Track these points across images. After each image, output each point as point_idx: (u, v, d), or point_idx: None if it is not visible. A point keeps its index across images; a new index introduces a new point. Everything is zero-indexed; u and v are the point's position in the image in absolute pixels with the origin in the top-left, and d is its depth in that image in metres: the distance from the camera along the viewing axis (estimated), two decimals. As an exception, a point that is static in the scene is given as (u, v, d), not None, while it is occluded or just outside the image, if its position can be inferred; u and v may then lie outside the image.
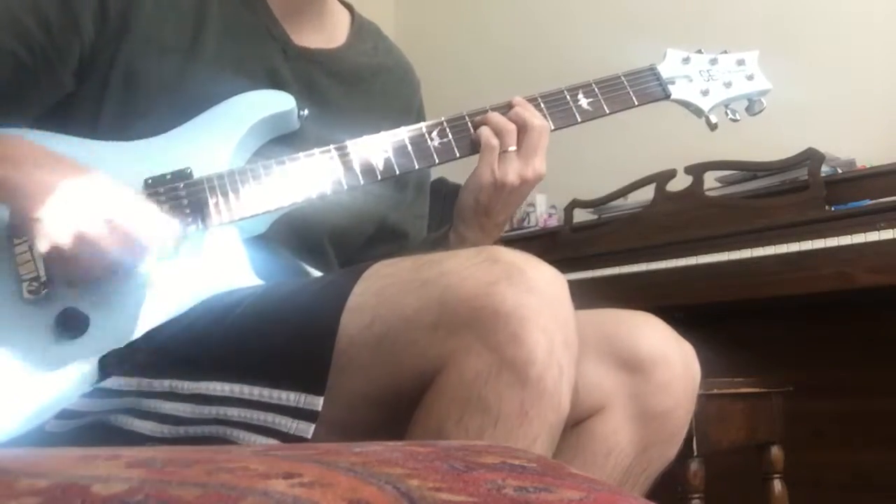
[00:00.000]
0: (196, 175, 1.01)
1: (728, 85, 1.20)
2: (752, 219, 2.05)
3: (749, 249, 1.98)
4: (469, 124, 1.09)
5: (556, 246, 2.37)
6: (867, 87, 2.36)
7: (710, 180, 2.26)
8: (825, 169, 2.06)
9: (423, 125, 1.08)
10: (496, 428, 0.76)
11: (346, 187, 1.03)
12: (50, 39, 1.02)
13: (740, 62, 1.22)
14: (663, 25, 2.68)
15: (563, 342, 0.78)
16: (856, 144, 2.23)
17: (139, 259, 0.93)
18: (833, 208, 1.97)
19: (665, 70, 1.19)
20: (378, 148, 1.05)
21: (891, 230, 1.80)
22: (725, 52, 1.23)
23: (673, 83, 1.18)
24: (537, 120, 1.07)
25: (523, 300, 0.77)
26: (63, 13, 1.03)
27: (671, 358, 0.99)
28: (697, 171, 2.20)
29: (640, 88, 1.16)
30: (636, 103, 1.15)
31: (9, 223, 0.98)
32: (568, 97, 1.12)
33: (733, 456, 1.61)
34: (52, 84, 1.05)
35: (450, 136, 1.08)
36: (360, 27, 1.25)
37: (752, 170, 2.19)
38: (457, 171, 1.29)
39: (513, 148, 1.06)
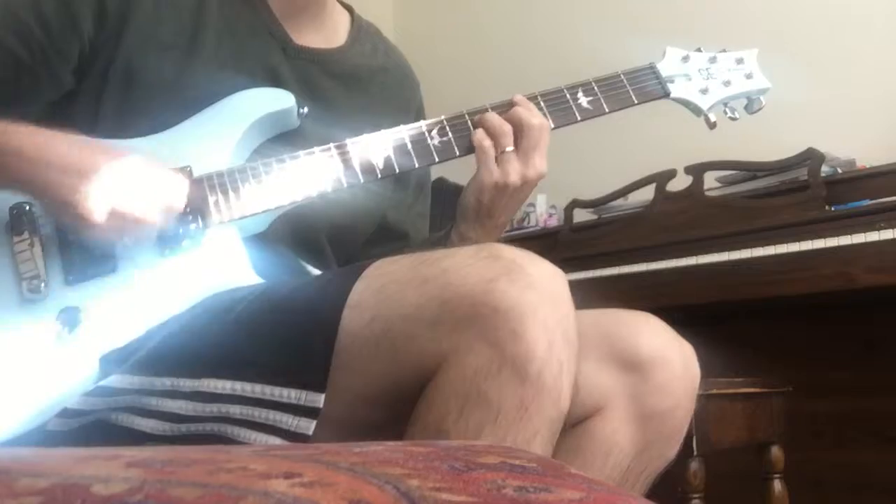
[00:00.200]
0: (196, 173, 1.01)
1: (727, 83, 1.20)
2: (752, 219, 2.05)
3: (749, 249, 1.98)
4: (469, 123, 1.08)
5: (556, 246, 2.37)
6: (867, 87, 2.36)
7: (710, 180, 2.26)
8: (825, 169, 2.06)
9: (422, 123, 1.08)
10: (496, 423, 0.76)
11: (346, 186, 1.03)
12: (49, 38, 1.03)
13: (739, 61, 1.22)
14: (662, 24, 2.68)
15: (564, 338, 0.78)
16: (856, 144, 2.23)
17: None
18: (833, 208, 1.97)
19: (664, 68, 1.18)
20: (378, 146, 1.05)
21: (891, 230, 1.80)
22: (724, 50, 1.23)
23: (672, 82, 1.18)
24: (536, 119, 1.07)
25: (523, 296, 0.77)
26: (63, 12, 1.03)
27: (671, 358, 0.99)
28: (697, 171, 2.20)
29: (639, 87, 1.16)
30: (636, 102, 1.15)
31: (9, 218, 0.98)
32: (568, 96, 1.12)
33: (733, 456, 1.61)
34: (52, 82, 1.05)
35: (450, 134, 1.08)
36: (360, 28, 1.25)
37: (752, 170, 2.19)
38: (457, 171, 1.29)
39: (510, 148, 1.06)
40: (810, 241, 1.90)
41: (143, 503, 0.34)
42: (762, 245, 1.97)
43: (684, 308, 1.98)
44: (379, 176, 1.05)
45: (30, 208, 0.99)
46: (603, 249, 2.28)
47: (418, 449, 0.47)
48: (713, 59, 1.21)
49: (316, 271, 1.12)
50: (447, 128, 1.08)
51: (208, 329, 0.90)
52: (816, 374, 2.08)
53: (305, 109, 1.10)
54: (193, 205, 0.99)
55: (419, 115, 1.28)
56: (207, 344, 0.89)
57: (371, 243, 1.22)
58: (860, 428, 2.11)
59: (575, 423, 0.97)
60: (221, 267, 0.99)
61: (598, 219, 2.46)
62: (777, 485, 1.72)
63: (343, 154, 1.04)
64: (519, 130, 1.07)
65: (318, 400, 0.80)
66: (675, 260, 2.09)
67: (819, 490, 2.07)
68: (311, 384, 0.81)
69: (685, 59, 1.20)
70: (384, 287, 0.82)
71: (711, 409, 1.50)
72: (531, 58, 2.98)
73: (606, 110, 1.13)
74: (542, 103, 1.10)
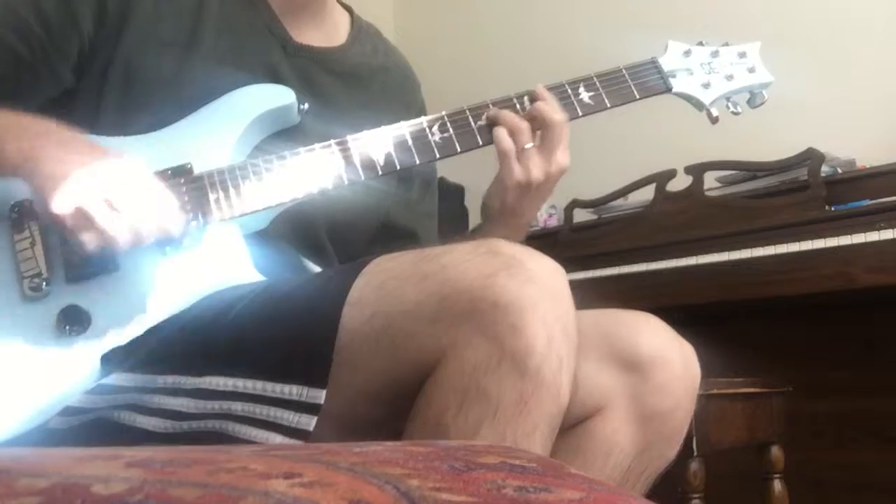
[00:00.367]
0: (196, 170, 1.01)
1: (730, 78, 1.19)
2: (752, 219, 2.04)
3: (749, 249, 1.98)
4: (470, 118, 1.08)
5: (556, 246, 2.37)
6: (867, 87, 2.36)
7: (710, 180, 2.26)
8: (825, 169, 2.06)
9: (423, 119, 1.08)
10: (495, 418, 0.76)
11: (346, 182, 1.03)
12: (49, 35, 1.03)
13: (742, 54, 1.21)
14: (661, 29, 2.68)
15: (563, 333, 0.78)
16: (856, 144, 2.23)
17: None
18: (833, 208, 1.97)
19: (666, 63, 1.18)
20: (379, 143, 1.05)
21: (891, 230, 1.80)
22: (727, 44, 1.22)
23: (674, 76, 1.17)
24: (557, 115, 1.06)
25: (523, 291, 0.77)
26: (63, 10, 1.03)
27: (671, 358, 0.99)
28: (697, 171, 2.20)
29: (641, 82, 1.15)
30: (637, 97, 1.15)
31: (10, 216, 0.98)
32: (569, 90, 1.11)
33: (733, 456, 1.61)
34: (52, 80, 1.06)
35: (451, 130, 1.07)
36: (360, 29, 1.25)
37: (752, 170, 2.19)
38: (457, 171, 1.29)
39: (529, 145, 1.06)
40: (810, 241, 1.90)
41: (143, 503, 0.34)
42: (762, 245, 1.96)
43: (684, 308, 1.98)
44: (380, 172, 1.05)
45: (31, 206, 0.99)
46: (603, 249, 2.28)
47: (418, 449, 0.47)
48: (715, 54, 1.21)
49: (317, 268, 1.12)
50: (448, 124, 1.07)
51: (209, 326, 0.90)
52: (816, 374, 2.08)
53: (306, 106, 1.10)
54: (194, 202, 0.99)
55: (421, 115, 1.27)
56: (209, 341, 0.89)
57: (377, 243, 1.21)
58: (860, 428, 2.11)
59: (575, 423, 0.97)
60: (223, 264, 0.99)
61: (598, 219, 2.46)
62: (777, 485, 1.72)
63: (344, 150, 1.04)
64: (541, 126, 1.06)
65: (320, 396, 0.80)
66: (675, 260, 2.09)
67: (819, 490, 2.07)
68: (312, 381, 0.81)
69: (687, 53, 1.20)
70: (384, 284, 0.82)
71: (711, 409, 1.50)
72: (531, 58, 2.98)
73: (608, 105, 1.13)
74: None
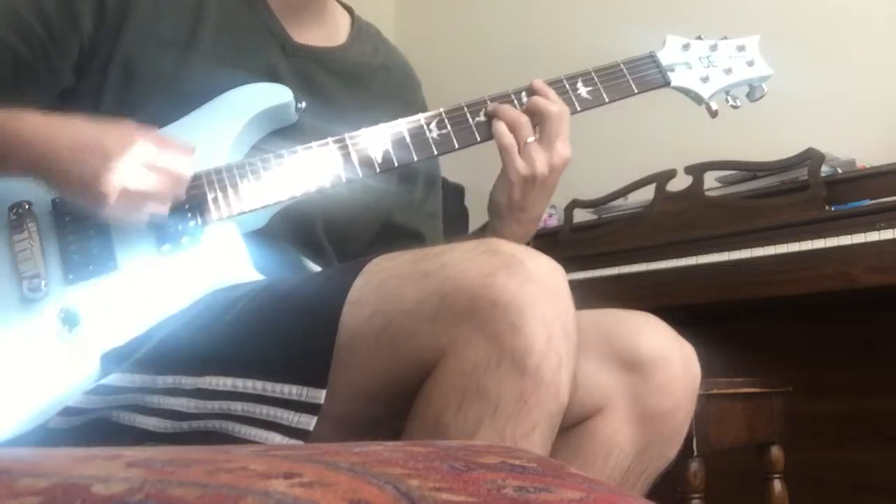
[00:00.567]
0: (195, 170, 1.01)
1: (728, 71, 1.19)
2: (752, 219, 2.04)
3: (749, 249, 1.98)
4: (468, 115, 1.08)
5: (556, 246, 2.37)
6: (867, 86, 2.36)
7: (710, 180, 2.26)
8: (825, 169, 2.06)
9: (421, 116, 1.07)
10: (495, 416, 0.76)
11: (344, 180, 1.03)
12: (49, 34, 1.03)
13: (741, 48, 1.20)
14: (662, 14, 2.68)
15: (562, 332, 0.78)
16: (856, 144, 2.23)
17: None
18: (833, 208, 1.97)
19: (665, 57, 1.17)
20: (376, 140, 1.05)
21: (891, 230, 1.80)
22: (726, 37, 1.21)
23: (673, 70, 1.17)
24: (555, 106, 1.06)
25: (522, 290, 0.77)
26: (63, 9, 1.04)
27: (671, 358, 0.98)
28: (697, 171, 2.20)
29: (639, 76, 1.14)
30: (636, 91, 1.14)
31: (9, 217, 0.98)
32: (567, 86, 1.11)
33: (733, 456, 1.61)
34: (52, 79, 1.06)
35: (448, 127, 1.07)
36: (361, 29, 1.25)
37: (752, 170, 2.19)
38: (457, 171, 1.29)
39: (531, 139, 1.06)
40: (810, 241, 1.90)
41: (143, 503, 0.34)
42: (762, 245, 1.97)
43: (684, 308, 1.98)
44: (377, 170, 1.04)
45: (30, 207, 1.00)
46: (603, 249, 2.28)
47: (418, 449, 0.47)
48: (714, 47, 1.20)
49: (316, 267, 1.12)
50: (446, 120, 1.07)
51: (209, 326, 0.90)
52: (816, 374, 2.08)
53: (303, 104, 1.10)
54: (192, 201, 0.99)
55: (422, 112, 1.27)
56: (208, 341, 0.89)
57: (380, 243, 1.20)
58: (860, 428, 2.11)
59: (575, 423, 0.97)
60: (221, 264, 0.99)
61: (598, 219, 2.46)
62: (777, 485, 1.72)
63: (342, 148, 1.03)
64: (539, 119, 1.06)
65: (319, 396, 0.80)
66: (675, 260, 2.09)
67: (819, 490, 2.07)
68: (312, 380, 0.81)
69: (685, 47, 1.19)
70: (384, 283, 0.82)
71: (711, 409, 1.50)
72: (531, 58, 2.97)
73: (606, 100, 1.12)
74: None
